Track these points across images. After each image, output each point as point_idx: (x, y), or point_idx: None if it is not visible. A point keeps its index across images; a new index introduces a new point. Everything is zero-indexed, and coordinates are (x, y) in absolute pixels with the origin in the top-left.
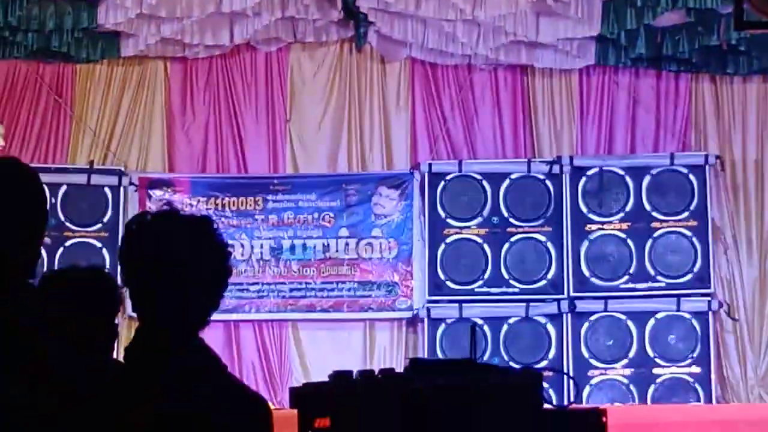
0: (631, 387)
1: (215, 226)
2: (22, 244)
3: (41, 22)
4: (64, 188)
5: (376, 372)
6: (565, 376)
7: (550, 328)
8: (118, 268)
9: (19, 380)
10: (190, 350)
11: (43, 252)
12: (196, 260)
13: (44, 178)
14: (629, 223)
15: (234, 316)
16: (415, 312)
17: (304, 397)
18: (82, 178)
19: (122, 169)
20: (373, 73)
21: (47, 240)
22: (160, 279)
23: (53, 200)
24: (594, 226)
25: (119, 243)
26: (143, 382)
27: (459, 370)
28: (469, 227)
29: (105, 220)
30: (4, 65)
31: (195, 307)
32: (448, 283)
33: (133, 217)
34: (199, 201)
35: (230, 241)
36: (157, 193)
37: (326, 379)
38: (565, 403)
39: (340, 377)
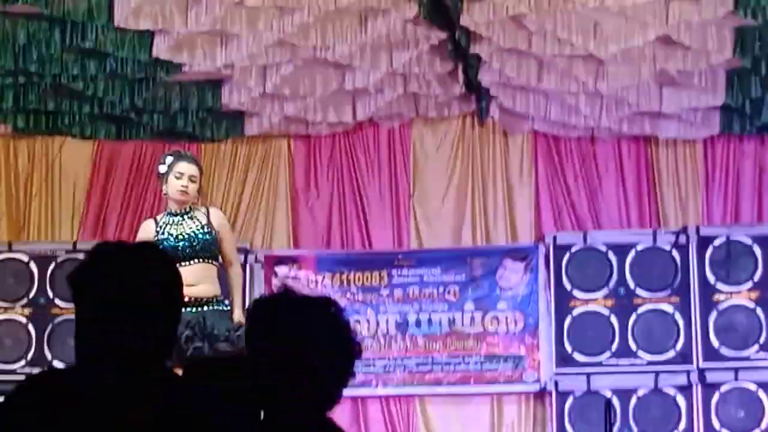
0: None
1: (336, 307)
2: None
3: (167, 103)
4: None
5: None
6: None
7: (680, 399)
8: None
9: None
10: (318, 428)
11: None
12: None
13: None
14: (758, 293)
15: (361, 392)
16: (542, 385)
17: None
18: None
19: (248, 246)
20: (495, 146)
21: None
22: (288, 374)
23: None
24: (722, 296)
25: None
26: None
27: None
28: (595, 299)
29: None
30: (131, 146)
31: (319, 393)
32: (576, 355)
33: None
34: (324, 277)
35: (356, 317)
36: (282, 270)
37: None
38: None
39: None
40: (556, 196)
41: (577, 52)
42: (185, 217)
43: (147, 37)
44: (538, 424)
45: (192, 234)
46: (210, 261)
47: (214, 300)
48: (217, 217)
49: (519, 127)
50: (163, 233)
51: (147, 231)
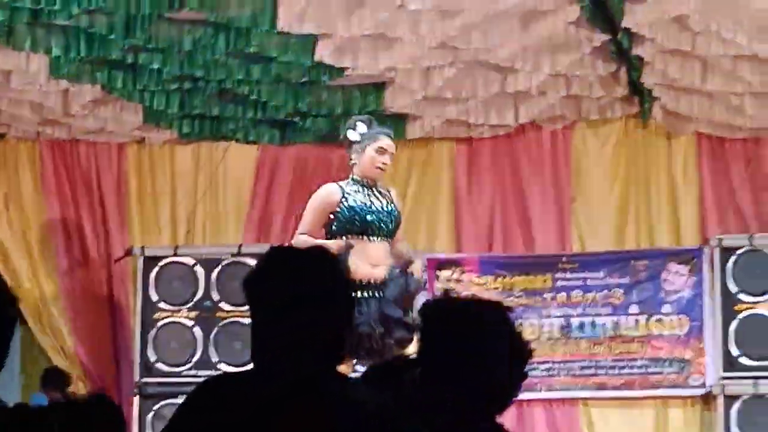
0: None
1: (506, 310)
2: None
3: (329, 107)
4: None
5: None
6: None
7: None
8: None
9: None
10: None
11: None
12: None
13: None
14: None
15: (525, 395)
16: (708, 389)
17: None
18: None
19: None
20: (659, 148)
21: None
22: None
23: None
24: None
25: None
26: None
27: None
28: (762, 302)
29: None
30: (293, 150)
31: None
32: (742, 359)
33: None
34: (487, 280)
35: (519, 320)
36: (445, 273)
37: None
38: None
39: None
40: (720, 198)
41: (742, 53)
42: (373, 191)
43: (310, 41)
44: (704, 428)
45: (388, 210)
46: (389, 240)
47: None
48: (396, 196)
49: (683, 128)
50: (354, 201)
51: (333, 195)
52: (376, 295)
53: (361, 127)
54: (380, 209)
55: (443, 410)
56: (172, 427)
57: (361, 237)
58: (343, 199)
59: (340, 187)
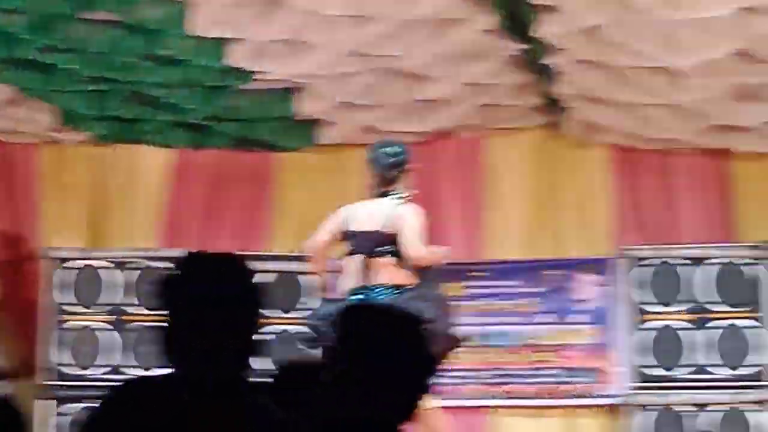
0: None
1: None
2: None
3: (242, 111)
4: (264, 276)
5: None
6: None
7: (756, 416)
8: None
9: None
10: None
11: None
12: None
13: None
14: None
15: (434, 403)
16: (617, 400)
17: None
18: (283, 266)
19: None
20: (571, 158)
21: None
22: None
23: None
24: None
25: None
26: None
27: None
28: (671, 313)
29: None
30: (206, 154)
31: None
32: (651, 369)
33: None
34: None
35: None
36: None
37: None
38: None
39: None
40: (631, 209)
41: (654, 64)
42: None
43: (220, 44)
44: None
45: None
46: None
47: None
48: None
49: (595, 139)
50: None
51: None
52: None
53: None
54: None
55: (347, 417)
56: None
57: None
58: None
59: None
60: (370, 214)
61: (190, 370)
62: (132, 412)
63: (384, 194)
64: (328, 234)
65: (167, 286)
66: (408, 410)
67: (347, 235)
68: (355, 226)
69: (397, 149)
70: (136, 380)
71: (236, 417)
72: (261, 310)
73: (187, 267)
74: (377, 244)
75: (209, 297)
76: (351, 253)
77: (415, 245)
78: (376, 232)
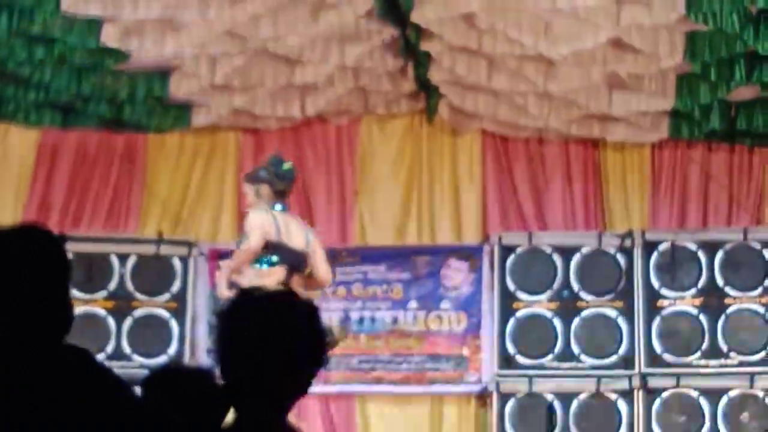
0: None
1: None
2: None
3: (114, 92)
4: (133, 258)
5: None
6: None
7: (621, 404)
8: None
9: None
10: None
11: (112, 321)
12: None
13: (114, 248)
14: (702, 299)
15: None
16: (484, 386)
17: None
18: (151, 249)
19: (191, 240)
20: (444, 145)
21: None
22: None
23: (122, 270)
24: (666, 302)
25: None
26: None
27: None
28: (539, 301)
29: (174, 290)
30: (75, 135)
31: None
32: (518, 357)
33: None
34: None
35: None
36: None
37: None
38: None
39: None
40: (502, 197)
41: (527, 53)
42: None
43: (95, 24)
44: (479, 425)
45: None
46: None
47: None
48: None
49: (468, 126)
50: None
51: None
52: None
53: None
54: None
55: (237, 406)
56: None
57: None
58: None
59: None
60: (296, 230)
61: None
62: None
63: (280, 207)
64: (262, 240)
65: None
66: (304, 387)
67: (275, 246)
68: (286, 240)
69: (292, 165)
70: None
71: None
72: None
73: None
74: (302, 262)
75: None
76: (275, 264)
77: (328, 271)
78: (303, 251)
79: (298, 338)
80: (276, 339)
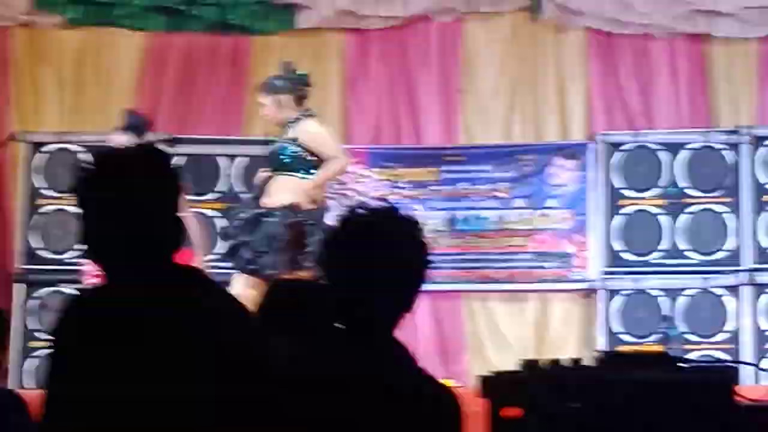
0: None
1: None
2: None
3: None
4: (242, 160)
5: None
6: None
7: (728, 300)
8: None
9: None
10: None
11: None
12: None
13: (221, 149)
14: None
15: None
16: (590, 283)
17: (495, 386)
18: (258, 150)
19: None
20: (548, 42)
21: None
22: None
23: (230, 172)
24: None
25: None
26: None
27: (653, 363)
28: (645, 198)
29: None
30: (181, 38)
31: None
32: (624, 254)
33: None
34: (374, 172)
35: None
36: None
37: (512, 365)
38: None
39: (532, 367)
40: (608, 94)
41: None
42: (286, 127)
43: None
44: (584, 322)
45: (274, 149)
46: (288, 173)
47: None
48: (303, 129)
49: (573, 23)
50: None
51: None
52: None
53: None
54: (271, 150)
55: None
56: (51, 381)
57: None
58: None
59: None
60: None
61: (113, 269)
62: (81, 341)
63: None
64: None
65: (81, 185)
66: (410, 303)
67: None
68: None
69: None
70: (72, 304)
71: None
72: (171, 194)
73: (98, 165)
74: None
75: (121, 186)
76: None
77: None
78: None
79: (403, 256)
80: (382, 258)
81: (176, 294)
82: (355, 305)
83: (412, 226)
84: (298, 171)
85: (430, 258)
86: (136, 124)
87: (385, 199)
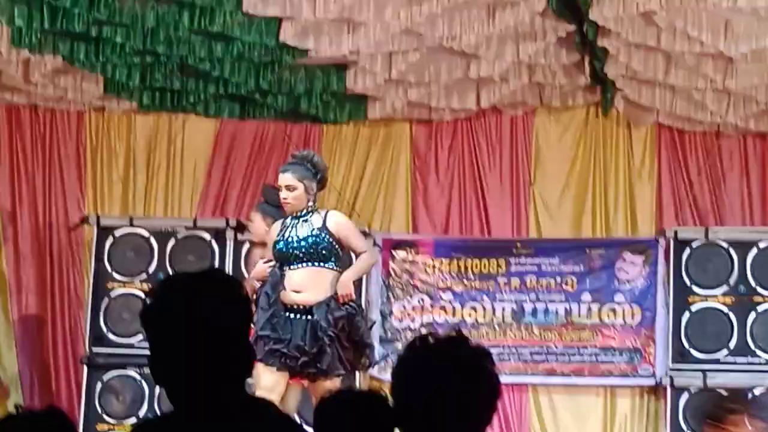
0: None
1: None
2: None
3: (291, 85)
4: None
5: None
6: None
7: None
8: None
9: None
10: None
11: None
12: None
13: None
14: None
15: None
16: (657, 380)
17: None
18: None
19: (366, 229)
20: (618, 138)
21: None
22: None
23: None
24: None
25: None
26: None
27: None
28: (714, 295)
29: None
30: (254, 125)
31: None
32: (692, 351)
33: None
34: (441, 262)
35: (472, 303)
36: (400, 254)
37: None
38: None
39: None
40: (678, 190)
41: (706, 50)
42: (300, 220)
43: (274, 23)
44: (651, 418)
45: (300, 237)
46: (320, 264)
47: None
48: (334, 219)
49: (643, 119)
50: (280, 236)
51: (272, 233)
52: (306, 317)
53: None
54: (292, 239)
55: None
56: None
57: (282, 266)
58: (279, 234)
59: (283, 222)
60: None
61: (182, 399)
62: None
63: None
64: None
65: (149, 313)
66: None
67: None
68: None
69: None
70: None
71: None
72: (242, 323)
73: (166, 290)
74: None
75: (188, 318)
76: (282, 263)
77: None
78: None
79: (472, 386)
80: (450, 386)
81: (239, 428)
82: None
83: (482, 354)
84: (330, 262)
85: (499, 391)
86: (273, 199)
87: (458, 329)
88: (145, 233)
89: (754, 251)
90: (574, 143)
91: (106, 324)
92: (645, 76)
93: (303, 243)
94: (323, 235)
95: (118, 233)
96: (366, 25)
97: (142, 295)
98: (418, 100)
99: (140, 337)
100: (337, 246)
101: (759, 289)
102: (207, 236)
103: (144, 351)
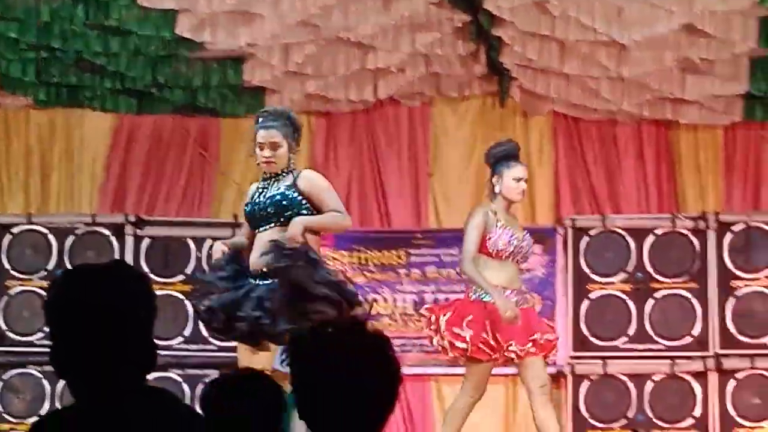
0: None
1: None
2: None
3: (188, 79)
4: (208, 242)
5: None
6: None
7: (696, 385)
8: None
9: None
10: None
11: (189, 305)
12: None
13: (189, 232)
14: None
15: None
16: (558, 368)
17: None
18: (226, 233)
19: None
20: (515, 126)
21: None
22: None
23: (198, 255)
24: (740, 283)
25: None
26: None
27: None
28: (613, 282)
29: None
30: (150, 120)
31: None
32: (592, 338)
33: None
34: (342, 255)
35: (373, 295)
36: None
37: None
38: None
39: None
40: (575, 179)
41: (600, 38)
42: (272, 180)
43: (170, 15)
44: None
45: (266, 198)
46: (285, 225)
47: None
48: (306, 176)
49: (539, 108)
50: (251, 198)
51: (248, 195)
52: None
53: (254, 126)
54: (257, 200)
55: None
56: None
57: (254, 230)
58: (252, 196)
59: (258, 185)
60: None
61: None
62: None
63: None
64: None
65: (52, 305)
66: (382, 419)
67: None
68: None
69: None
70: (42, 422)
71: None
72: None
73: (68, 281)
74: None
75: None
76: (252, 226)
77: None
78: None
79: (372, 372)
80: (349, 373)
81: (140, 418)
82: (322, 424)
83: (380, 341)
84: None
85: (400, 376)
86: None
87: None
88: (44, 230)
89: (651, 238)
90: (471, 133)
91: (5, 322)
92: (540, 64)
93: (268, 202)
94: (289, 193)
95: (15, 230)
96: (262, 18)
97: (42, 293)
98: (316, 92)
99: (41, 335)
100: (306, 204)
101: (657, 276)
102: (106, 232)
103: (45, 349)
